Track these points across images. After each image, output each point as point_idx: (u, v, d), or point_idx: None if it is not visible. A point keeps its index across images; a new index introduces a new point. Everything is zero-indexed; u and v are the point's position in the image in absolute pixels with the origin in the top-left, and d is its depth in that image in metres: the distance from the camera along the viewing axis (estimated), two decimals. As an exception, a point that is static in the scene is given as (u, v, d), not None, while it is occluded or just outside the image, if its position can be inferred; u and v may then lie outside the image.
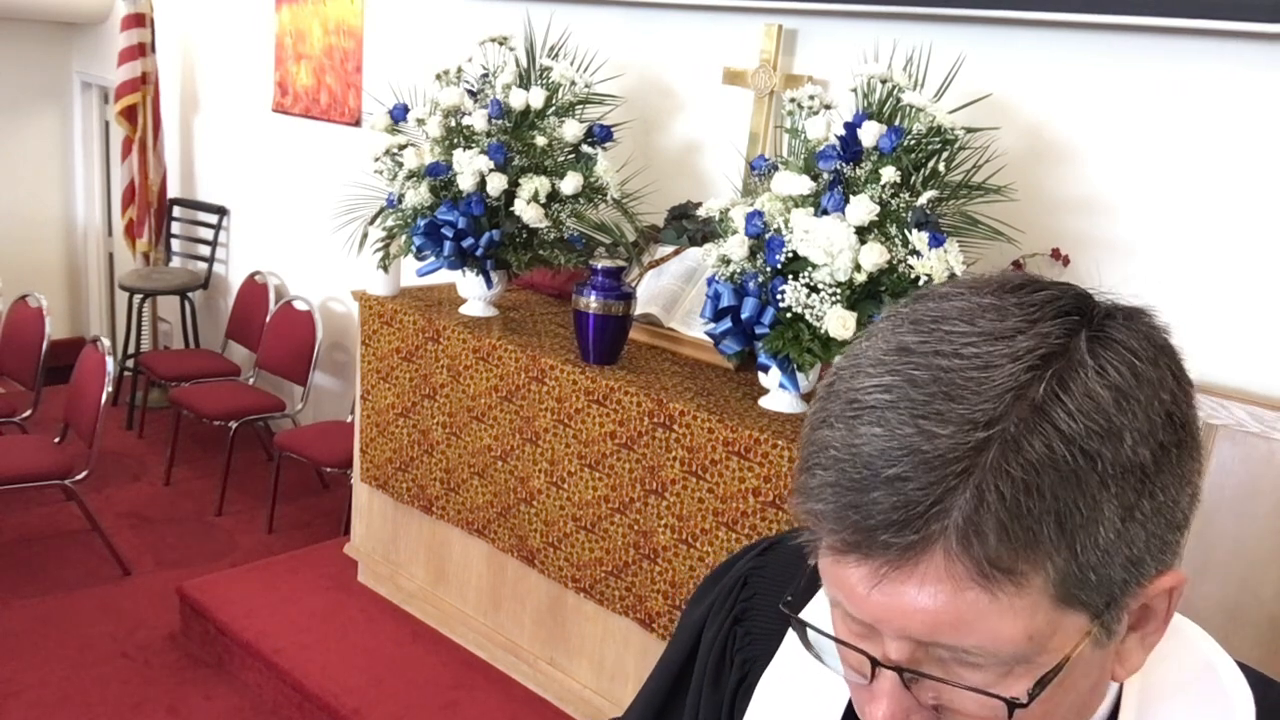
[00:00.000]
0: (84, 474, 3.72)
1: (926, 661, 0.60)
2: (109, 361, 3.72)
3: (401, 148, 2.88)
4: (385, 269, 3.00)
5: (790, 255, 2.16)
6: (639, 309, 2.67)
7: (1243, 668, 0.72)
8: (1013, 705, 0.58)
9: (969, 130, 2.27)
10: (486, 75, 2.94)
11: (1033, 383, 0.56)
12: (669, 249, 2.88)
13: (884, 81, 2.29)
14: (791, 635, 0.80)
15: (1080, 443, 0.55)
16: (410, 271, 3.00)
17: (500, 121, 2.85)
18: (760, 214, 2.22)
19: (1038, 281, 0.62)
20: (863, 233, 2.12)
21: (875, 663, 0.61)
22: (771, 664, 0.82)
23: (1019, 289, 0.61)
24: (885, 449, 0.56)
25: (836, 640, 0.64)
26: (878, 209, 2.12)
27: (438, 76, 2.95)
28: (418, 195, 2.80)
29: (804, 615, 0.69)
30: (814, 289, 2.12)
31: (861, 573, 0.58)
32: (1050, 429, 0.55)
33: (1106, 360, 0.57)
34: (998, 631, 0.57)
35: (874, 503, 0.56)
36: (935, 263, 2.07)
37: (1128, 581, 0.58)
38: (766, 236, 2.21)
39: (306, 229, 4.55)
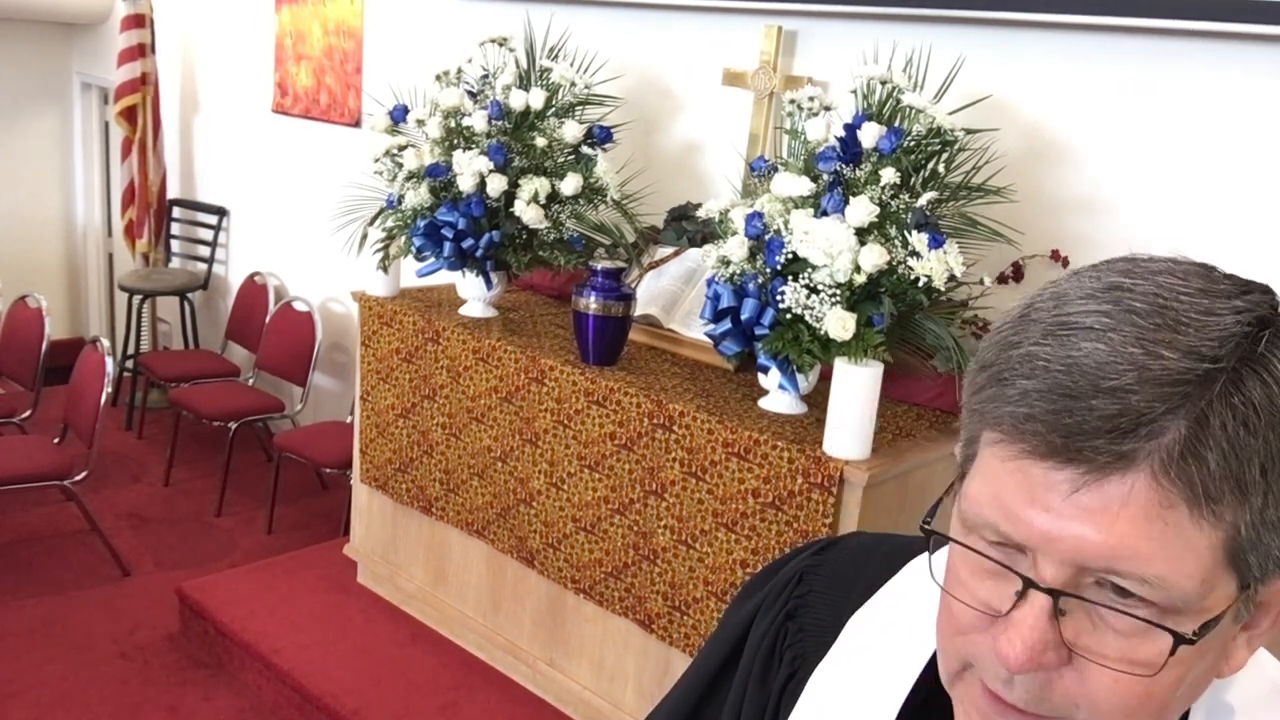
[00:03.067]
0: (83, 474, 3.72)
1: (1085, 589, 0.58)
2: (108, 362, 3.72)
3: (401, 149, 2.88)
4: (385, 270, 3.00)
5: (790, 256, 2.16)
6: (639, 310, 2.67)
7: None
8: (1180, 639, 0.57)
9: (969, 131, 2.27)
10: (486, 76, 2.95)
11: (1252, 335, 0.57)
12: (669, 250, 2.88)
13: (884, 83, 2.29)
14: (846, 632, 0.79)
15: None
16: (410, 272, 3.00)
17: (500, 122, 2.85)
18: (760, 215, 2.22)
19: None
20: (862, 234, 2.12)
21: (1030, 584, 0.59)
22: (823, 662, 0.80)
23: (1212, 270, 0.62)
24: (1108, 362, 0.55)
25: (985, 556, 0.61)
26: (877, 210, 2.12)
27: (437, 77, 2.95)
28: (417, 196, 2.80)
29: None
30: (814, 290, 2.12)
31: (1058, 478, 0.56)
32: (1270, 378, 0.56)
33: None
34: (1183, 562, 0.56)
35: (1092, 409, 0.55)
36: (935, 264, 2.07)
37: (1276, 565, 0.59)
38: (766, 238, 2.21)
39: (306, 229, 4.55)
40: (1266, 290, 0.61)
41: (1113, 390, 0.55)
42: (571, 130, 2.80)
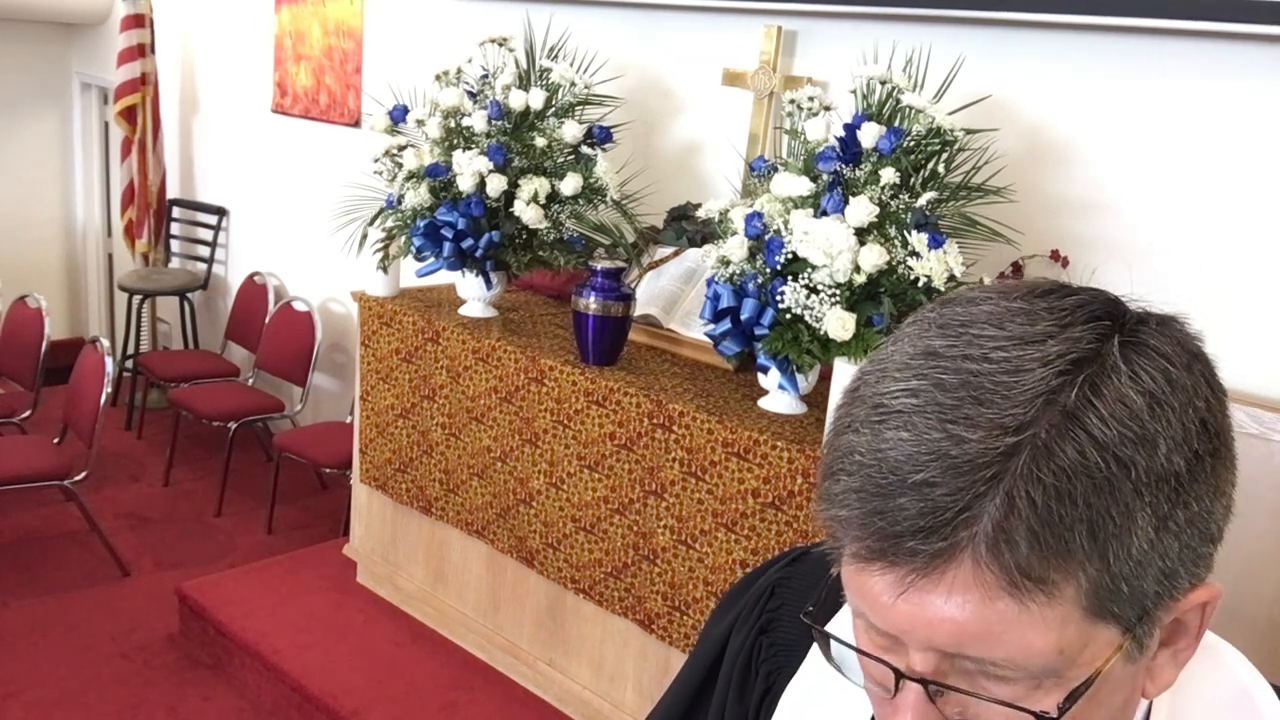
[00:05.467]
0: (83, 475, 3.72)
1: (952, 674, 0.58)
2: (108, 362, 3.72)
3: (401, 149, 2.88)
4: (385, 270, 3.00)
5: (790, 256, 2.16)
6: (638, 310, 2.67)
7: None
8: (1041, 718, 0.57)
9: (968, 131, 2.27)
10: (486, 76, 2.95)
11: (1064, 387, 0.54)
12: (668, 250, 2.88)
13: (883, 83, 2.29)
14: (816, 646, 0.79)
15: (1114, 449, 0.53)
16: (410, 272, 3.00)
17: (500, 122, 2.85)
18: (760, 215, 2.22)
19: (1067, 287, 0.60)
20: (862, 234, 2.12)
21: (899, 675, 0.59)
22: (796, 675, 0.81)
23: (1049, 294, 0.60)
24: (912, 454, 0.55)
25: (859, 651, 0.63)
26: (877, 210, 2.12)
27: (437, 77, 2.95)
28: (417, 196, 2.80)
29: (827, 627, 0.68)
30: (813, 290, 2.12)
31: (887, 581, 0.57)
32: (1083, 434, 0.53)
33: (1140, 366, 0.56)
34: (1028, 643, 0.55)
35: (900, 509, 0.55)
36: (935, 264, 2.07)
37: (1160, 594, 0.57)
38: (766, 237, 2.21)
39: (306, 230, 4.55)
40: (1094, 317, 0.58)
41: (918, 486, 0.54)
42: (571, 130, 2.80)
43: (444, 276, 2.91)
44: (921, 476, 0.54)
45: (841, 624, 0.71)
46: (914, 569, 0.56)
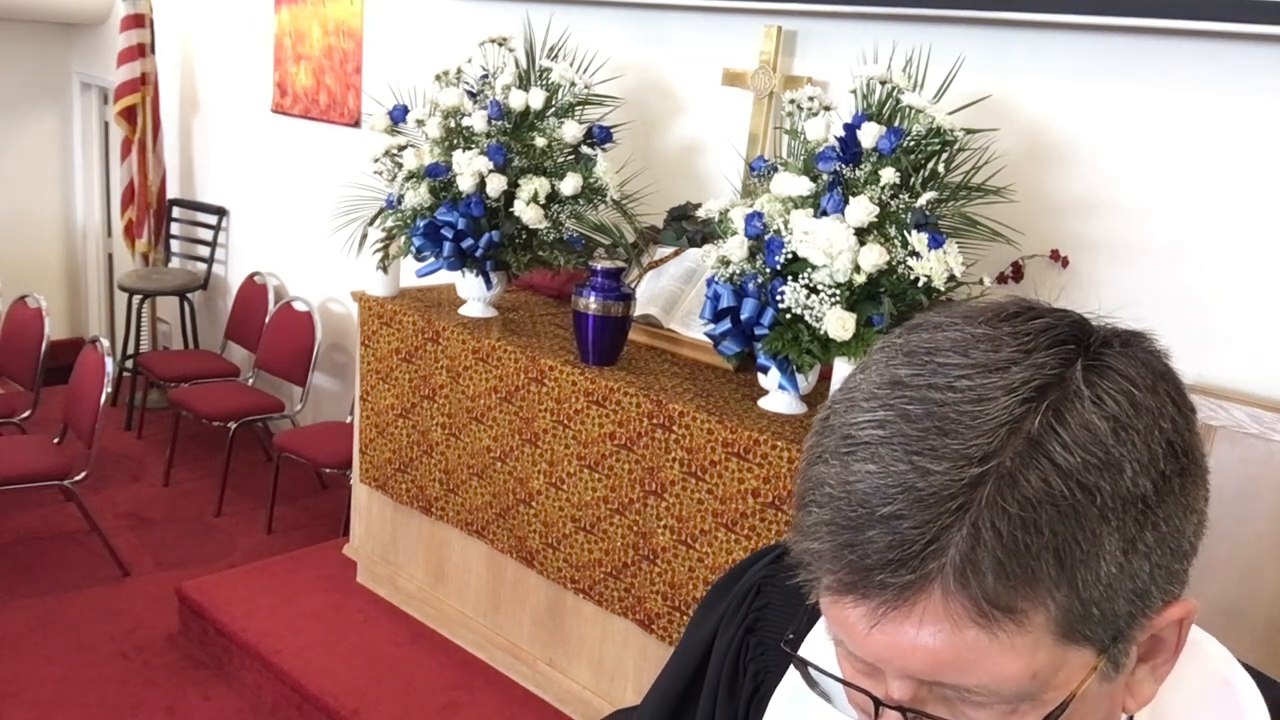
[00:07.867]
0: (83, 475, 3.72)
1: (931, 700, 0.59)
2: (108, 362, 3.72)
3: (401, 149, 2.88)
4: (385, 270, 3.00)
5: (790, 256, 2.16)
6: (638, 310, 2.67)
7: (1262, 678, 0.71)
8: None
9: (968, 131, 2.27)
10: (486, 76, 2.95)
11: (1028, 415, 0.55)
12: (668, 250, 2.88)
13: (883, 83, 2.29)
14: (806, 645, 0.79)
15: (1078, 476, 0.54)
16: (410, 272, 3.00)
17: (500, 122, 2.85)
18: (760, 215, 2.22)
19: (1034, 309, 0.61)
20: (862, 234, 2.12)
21: (878, 703, 0.60)
22: (786, 676, 0.81)
23: (1014, 317, 0.60)
24: (880, 486, 0.55)
25: (839, 680, 0.64)
26: (877, 210, 2.12)
27: (437, 77, 2.95)
28: (417, 196, 2.80)
29: (807, 654, 0.69)
30: (813, 290, 2.12)
31: (860, 612, 0.58)
32: (1046, 463, 0.54)
33: (1103, 390, 0.56)
34: (1000, 670, 0.56)
35: (869, 542, 0.55)
36: (934, 264, 2.07)
37: (1133, 614, 0.58)
38: (766, 237, 2.21)
39: (306, 229, 4.55)
40: (1058, 341, 0.58)
41: (886, 519, 0.55)
42: (571, 130, 2.80)
43: (444, 276, 2.91)
44: (889, 509, 0.55)
45: (818, 642, 0.72)
46: (885, 601, 0.56)
